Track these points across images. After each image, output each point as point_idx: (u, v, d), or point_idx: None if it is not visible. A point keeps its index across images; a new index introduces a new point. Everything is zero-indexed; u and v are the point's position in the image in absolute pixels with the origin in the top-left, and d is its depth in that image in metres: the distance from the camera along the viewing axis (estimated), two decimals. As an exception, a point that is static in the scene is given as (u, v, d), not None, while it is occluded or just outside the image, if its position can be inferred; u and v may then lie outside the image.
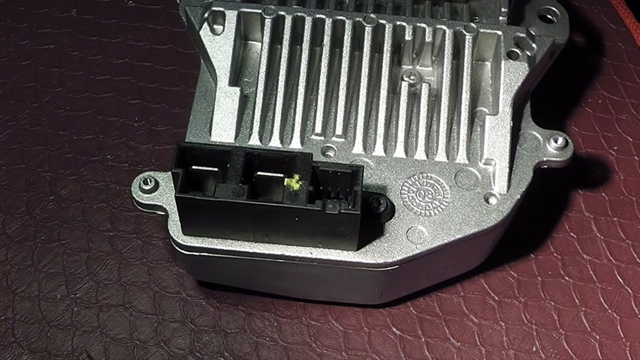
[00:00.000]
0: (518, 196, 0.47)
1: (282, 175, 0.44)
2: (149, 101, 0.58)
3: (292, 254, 0.45)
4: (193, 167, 0.44)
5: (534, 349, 0.50)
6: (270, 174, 0.44)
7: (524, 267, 0.52)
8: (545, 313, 0.51)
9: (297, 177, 0.43)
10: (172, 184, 0.46)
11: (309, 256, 0.45)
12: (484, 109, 0.50)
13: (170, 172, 0.46)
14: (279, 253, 0.45)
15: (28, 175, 0.55)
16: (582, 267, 0.52)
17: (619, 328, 0.50)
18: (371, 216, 0.46)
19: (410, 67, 0.51)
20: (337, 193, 0.44)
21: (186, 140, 0.48)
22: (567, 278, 0.52)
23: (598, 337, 0.50)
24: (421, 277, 0.49)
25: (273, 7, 0.50)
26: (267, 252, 0.45)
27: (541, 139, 0.49)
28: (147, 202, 0.46)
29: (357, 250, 0.45)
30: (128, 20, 0.61)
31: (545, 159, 0.48)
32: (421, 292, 0.51)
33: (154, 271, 0.52)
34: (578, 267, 0.52)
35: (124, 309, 0.51)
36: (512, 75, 0.49)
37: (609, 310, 0.51)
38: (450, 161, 0.48)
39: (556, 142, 0.48)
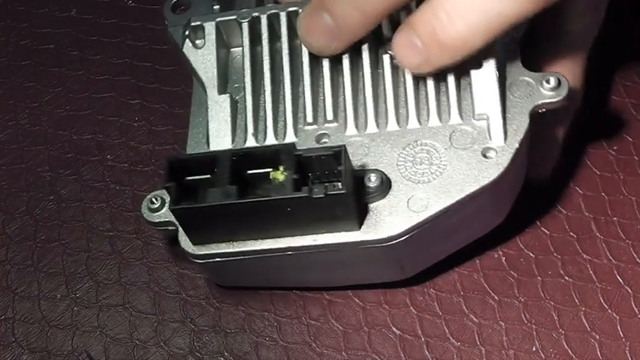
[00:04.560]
0: (517, 145, 0.46)
1: (270, 170, 0.44)
2: (149, 101, 0.58)
3: (298, 244, 0.45)
4: (187, 178, 0.44)
5: (534, 349, 0.50)
6: (259, 171, 0.44)
7: (524, 266, 0.52)
8: (545, 313, 0.51)
9: (282, 168, 0.43)
10: None
11: (313, 243, 0.45)
12: (469, 64, 0.48)
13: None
14: (285, 245, 0.45)
15: (28, 175, 0.55)
16: (582, 267, 0.52)
17: (619, 328, 0.50)
18: (367, 193, 0.45)
19: (390, 38, 0.50)
20: (328, 177, 0.44)
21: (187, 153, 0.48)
22: (567, 278, 0.51)
23: (598, 337, 0.50)
24: (439, 245, 0.49)
25: (246, 10, 0.50)
26: (273, 247, 0.45)
27: (533, 83, 0.47)
28: (157, 220, 0.47)
29: (360, 228, 0.45)
30: (128, 20, 0.61)
31: (540, 102, 0.47)
32: (421, 291, 0.51)
33: (154, 271, 0.52)
34: (578, 267, 0.52)
35: (124, 309, 0.51)
36: None
37: (609, 310, 0.51)
38: (443, 124, 0.47)
39: (548, 82, 0.47)
